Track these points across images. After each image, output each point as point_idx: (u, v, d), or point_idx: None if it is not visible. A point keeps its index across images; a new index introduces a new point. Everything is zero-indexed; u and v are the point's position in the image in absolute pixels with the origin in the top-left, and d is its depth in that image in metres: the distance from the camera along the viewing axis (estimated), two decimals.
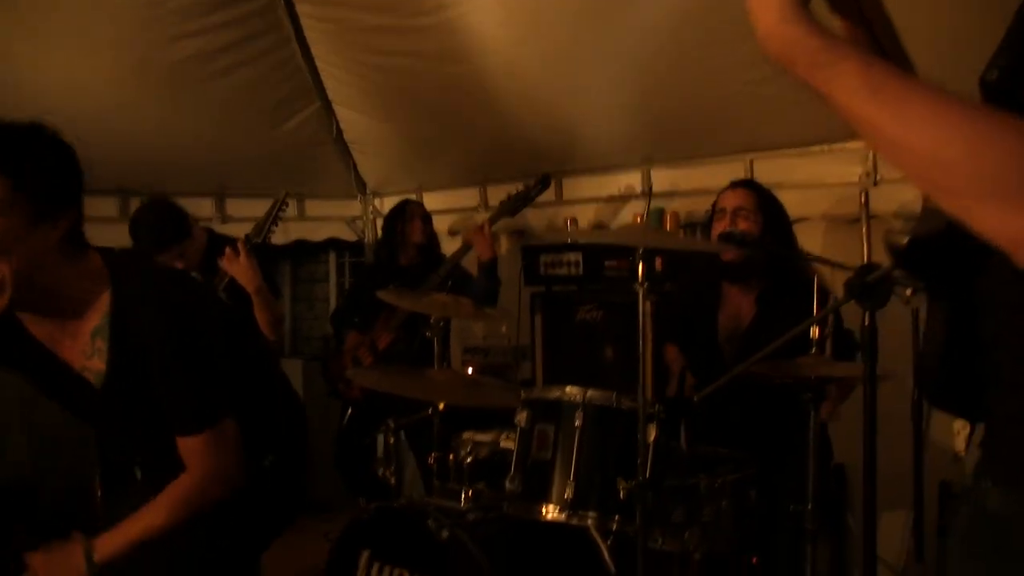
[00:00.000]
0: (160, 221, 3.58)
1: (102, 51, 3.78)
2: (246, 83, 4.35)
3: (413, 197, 5.01)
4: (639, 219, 4.32)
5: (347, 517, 2.84)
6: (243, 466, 2.02)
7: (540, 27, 3.76)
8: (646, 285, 2.20)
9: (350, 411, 4.39)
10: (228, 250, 3.60)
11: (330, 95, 4.74)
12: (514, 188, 4.42)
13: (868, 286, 1.91)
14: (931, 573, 3.01)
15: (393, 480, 3.10)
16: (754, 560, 2.81)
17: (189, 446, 1.95)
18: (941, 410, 1.38)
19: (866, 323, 1.99)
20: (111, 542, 1.95)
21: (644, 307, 2.23)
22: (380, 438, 3.49)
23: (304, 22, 4.18)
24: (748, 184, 3.23)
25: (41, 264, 1.82)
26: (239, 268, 3.60)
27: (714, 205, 3.21)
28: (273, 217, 3.73)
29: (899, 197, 3.64)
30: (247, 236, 3.71)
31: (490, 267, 4.22)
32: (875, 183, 3.72)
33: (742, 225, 3.04)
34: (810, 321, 2.38)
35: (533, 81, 4.11)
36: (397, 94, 4.49)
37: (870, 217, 2.93)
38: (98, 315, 1.92)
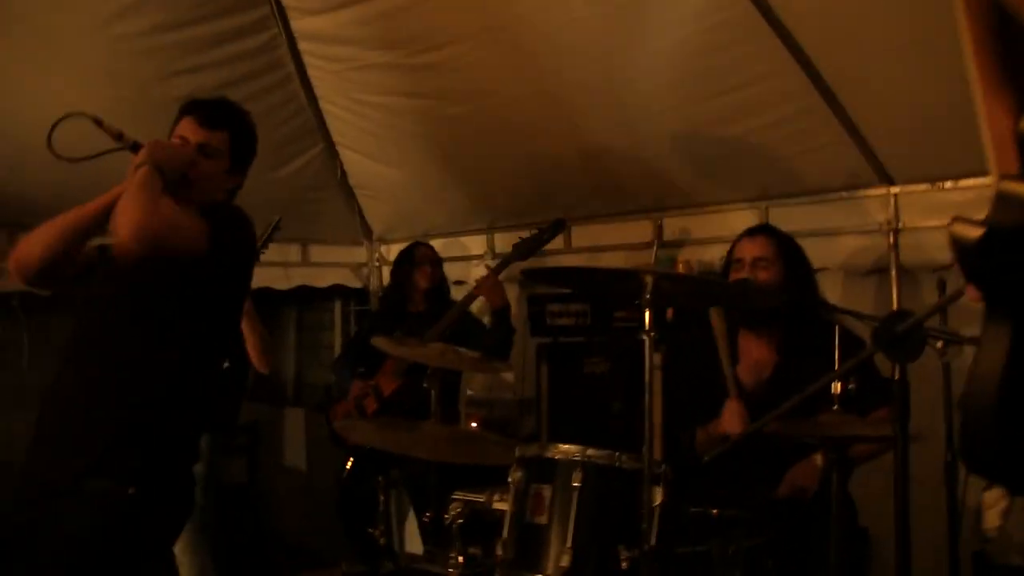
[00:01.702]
0: None
1: (97, 82, 3.66)
2: None
3: None
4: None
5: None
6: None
7: (540, 68, 3.64)
8: (654, 335, 2.01)
9: (351, 460, 4.20)
10: None
11: (334, 137, 4.62)
12: (525, 233, 4.27)
13: (898, 336, 1.71)
14: None
15: (383, 541, 2.91)
16: None
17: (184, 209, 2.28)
18: (978, 473, 1.14)
19: (896, 376, 1.79)
20: None
21: (653, 359, 2.03)
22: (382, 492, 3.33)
23: (307, 60, 4.07)
24: (766, 230, 3.06)
25: (208, 194, 2.43)
26: None
27: (730, 253, 3.03)
28: (265, 240, 3.60)
29: (923, 244, 3.48)
30: None
31: (503, 315, 4.06)
32: (897, 231, 3.56)
33: (762, 276, 2.86)
34: (837, 373, 2.18)
35: (539, 122, 3.98)
36: (402, 136, 4.36)
37: (898, 264, 2.72)
38: None
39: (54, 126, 2.30)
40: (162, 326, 2.33)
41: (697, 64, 3.32)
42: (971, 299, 1.08)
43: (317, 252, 5.45)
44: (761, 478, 2.72)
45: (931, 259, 3.43)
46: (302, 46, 3.98)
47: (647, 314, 2.03)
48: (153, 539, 2.33)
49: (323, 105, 4.38)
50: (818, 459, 2.71)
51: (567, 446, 2.24)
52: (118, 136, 2.37)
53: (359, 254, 5.64)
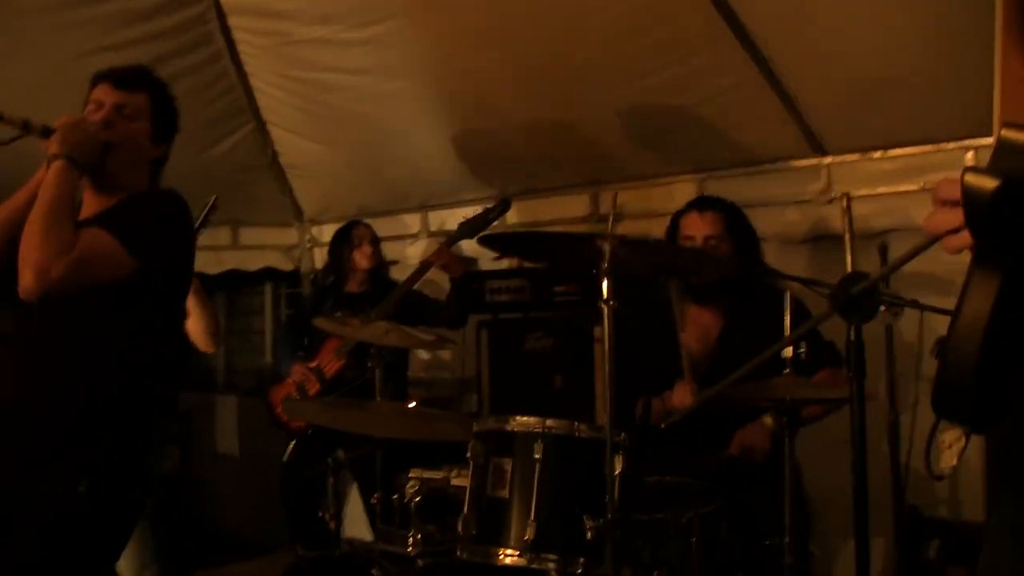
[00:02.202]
0: None
1: (10, 59, 3.50)
2: None
3: None
4: None
5: (283, 565, 2.61)
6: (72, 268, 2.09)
7: (480, 42, 3.61)
8: (613, 304, 2.01)
9: (293, 444, 4.12)
10: None
11: (264, 115, 4.51)
12: (461, 213, 4.24)
13: (854, 298, 1.74)
14: None
15: (333, 524, 2.87)
16: None
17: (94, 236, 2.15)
18: (948, 416, 1.17)
19: (851, 338, 1.83)
20: None
21: (608, 329, 2.03)
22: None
23: (237, 35, 3.95)
24: (714, 205, 3.04)
25: (133, 164, 2.36)
26: None
27: (675, 226, 3.02)
28: (202, 220, 3.49)
29: (855, 212, 3.56)
30: None
31: (462, 285, 4.03)
32: (829, 201, 3.63)
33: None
34: (791, 337, 2.22)
35: (473, 98, 3.95)
36: (335, 113, 4.28)
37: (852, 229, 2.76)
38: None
39: None
40: (103, 322, 2.25)
41: (637, 38, 3.33)
42: (951, 248, 1.11)
43: (247, 235, 5.33)
44: (714, 443, 2.75)
45: (865, 227, 3.53)
46: (232, 21, 3.86)
47: (605, 283, 2.02)
48: (107, 536, 2.25)
49: (253, 82, 4.26)
50: (767, 421, 2.76)
51: (525, 418, 2.23)
52: (23, 125, 2.24)
53: (290, 236, 5.53)
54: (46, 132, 2.22)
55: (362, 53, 3.76)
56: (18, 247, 2.16)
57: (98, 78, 2.37)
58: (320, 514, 2.87)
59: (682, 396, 2.72)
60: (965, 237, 1.08)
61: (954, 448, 1.79)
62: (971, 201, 0.97)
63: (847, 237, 2.54)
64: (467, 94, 3.92)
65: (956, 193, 1.09)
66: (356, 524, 3.57)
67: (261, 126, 4.59)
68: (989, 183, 0.95)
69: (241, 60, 4.11)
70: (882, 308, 2.08)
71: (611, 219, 2.48)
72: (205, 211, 3.49)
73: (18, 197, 2.28)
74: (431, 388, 4.73)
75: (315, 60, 3.93)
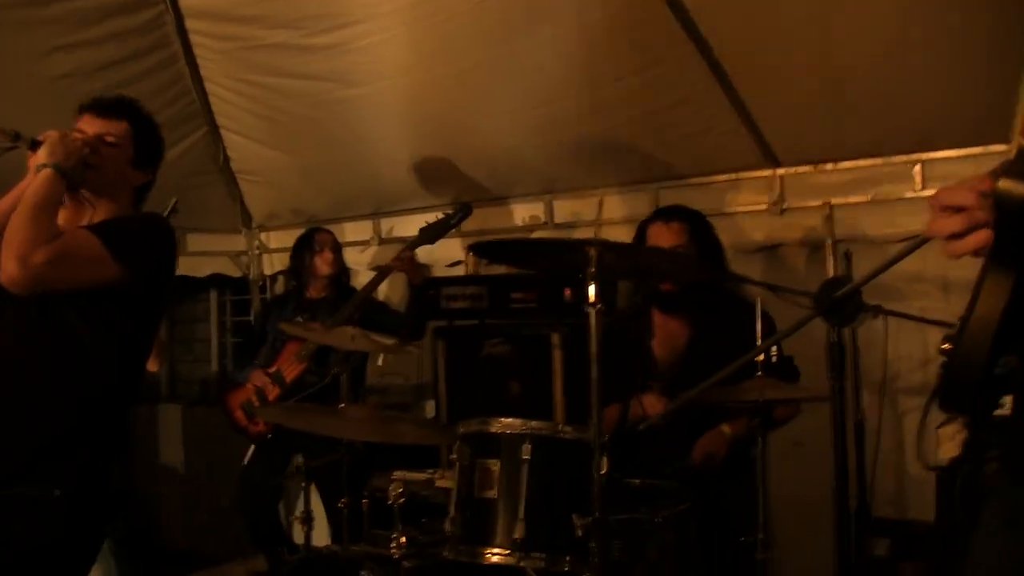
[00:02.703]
0: None
1: None
2: None
3: (302, 231, 4.72)
4: None
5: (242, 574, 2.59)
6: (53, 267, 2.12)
7: (443, 52, 3.64)
8: (600, 307, 2.05)
9: (252, 449, 4.08)
10: None
11: (218, 120, 4.46)
12: (414, 220, 4.26)
13: (836, 302, 1.82)
14: None
15: (304, 528, 2.86)
16: None
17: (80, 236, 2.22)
18: (954, 410, 1.24)
19: (833, 340, 1.90)
20: None
21: (595, 333, 2.07)
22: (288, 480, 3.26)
23: (194, 39, 3.90)
24: (679, 214, 3.12)
25: (114, 186, 2.38)
26: None
27: (641, 235, 3.09)
28: None
29: (806, 224, 3.69)
30: None
31: (421, 292, 4.04)
32: (781, 212, 3.75)
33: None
34: (767, 343, 2.30)
35: (433, 107, 3.97)
36: (291, 119, 4.25)
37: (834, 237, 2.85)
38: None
39: None
40: (87, 331, 2.24)
41: (596, 49, 3.39)
42: (953, 252, 1.18)
43: (195, 241, 5.25)
44: (685, 445, 2.82)
45: (815, 237, 3.66)
46: (190, 24, 3.81)
47: (592, 287, 2.07)
48: (81, 543, 2.23)
49: (208, 86, 4.22)
50: (725, 428, 2.85)
51: (510, 420, 2.27)
52: (14, 136, 2.29)
53: (238, 242, 5.46)
54: (34, 144, 2.26)
55: (323, 58, 3.75)
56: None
57: (82, 108, 2.44)
58: (290, 518, 2.86)
59: (654, 403, 2.78)
60: (968, 242, 1.16)
61: (956, 440, 1.88)
62: (1006, 206, 1.04)
63: (829, 243, 2.63)
64: (425, 102, 3.94)
65: (957, 200, 1.17)
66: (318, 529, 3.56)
67: (214, 131, 4.53)
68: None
69: (197, 64, 4.07)
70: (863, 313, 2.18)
71: (598, 224, 2.49)
72: (166, 213, 3.44)
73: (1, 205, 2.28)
74: (385, 394, 4.72)
75: (275, 65, 3.91)
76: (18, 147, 2.29)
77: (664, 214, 3.13)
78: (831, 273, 2.90)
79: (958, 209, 1.17)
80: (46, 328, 2.21)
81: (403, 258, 4.02)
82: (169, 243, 2.45)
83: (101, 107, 2.42)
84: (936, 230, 1.19)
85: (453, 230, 4.36)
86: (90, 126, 2.39)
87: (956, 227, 1.16)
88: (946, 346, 1.19)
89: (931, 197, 1.21)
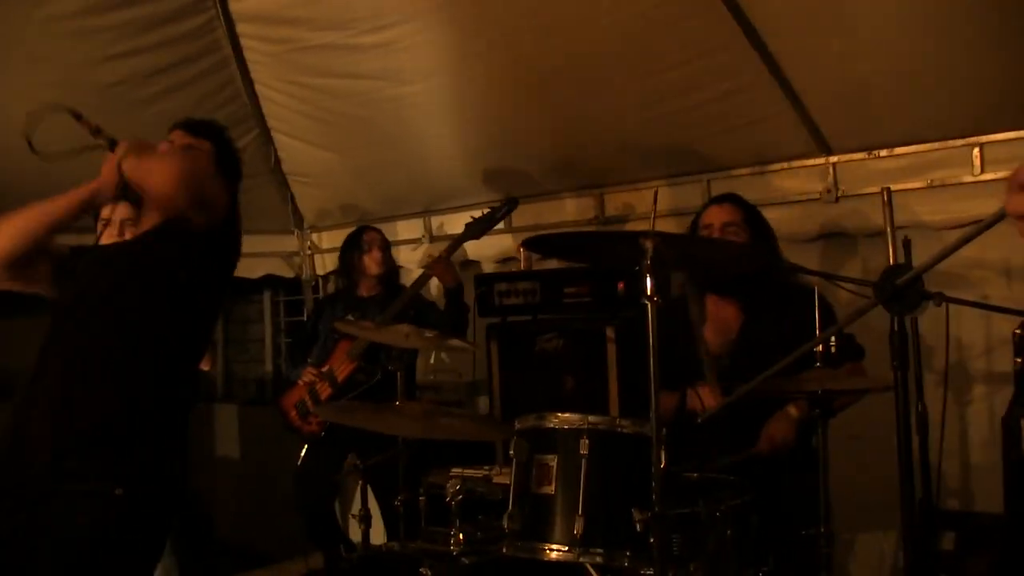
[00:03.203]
0: None
1: (22, 67, 3.49)
2: (179, 109, 4.03)
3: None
4: None
5: (296, 572, 2.62)
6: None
7: (491, 47, 3.63)
8: (657, 300, 2.03)
9: (306, 448, 4.12)
10: None
11: (269, 122, 4.52)
12: (465, 217, 4.25)
13: (898, 289, 1.78)
14: None
15: (362, 527, 2.88)
16: None
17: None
18: None
19: (895, 329, 1.86)
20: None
21: (652, 325, 2.05)
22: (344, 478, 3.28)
23: (244, 43, 3.96)
24: (733, 199, 3.13)
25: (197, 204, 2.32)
26: None
27: (695, 222, 3.09)
28: None
29: (862, 211, 3.62)
30: None
31: (456, 294, 4.04)
32: (836, 200, 3.69)
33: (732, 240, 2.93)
34: (825, 335, 2.26)
35: (482, 102, 3.98)
36: (341, 119, 4.29)
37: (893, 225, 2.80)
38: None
39: (33, 120, 2.25)
40: (144, 324, 2.29)
41: (648, 39, 3.36)
42: None
43: (248, 242, 5.20)
44: (742, 436, 2.78)
45: (870, 225, 3.59)
46: (240, 28, 3.87)
47: (648, 279, 2.05)
48: (144, 541, 2.26)
49: (259, 89, 4.28)
50: (792, 411, 2.80)
51: (567, 415, 2.25)
52: (96, 130, 2.33)
53: (290, 243, 5.53)
54: (113, 144, 2.34)
55: (373, 58, 3.78)
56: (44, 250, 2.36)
57: (174, 126, 2.62)
58: (347, 516, 2.88)
59: (709, 398, 2.75)
60: None
61: None
62: None
63: (889, 230, 2.57)
64: (476, 98, 3.94)
65: None
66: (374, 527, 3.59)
67: (265, 133, 4.59)
68: None
69: (248, 67, 4.12)
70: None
71: (653, 216, 2.47)
72: None
73: (61, 198, 2.34)
74: (439, 392, 4.73)
75: (324, 66, 3.95)
76: (99, 145, 2.34)
77: (717, 198, 3.17)
78: (892, 261, 2.82)
79: None
80: (106, 322, 2.26)
81: (434, 263, 4.04)
82: (237, 250, 2.57)
83: (190, 126, 2.59)
84: (1015, 208, 1.16)
85: (502, 225, 4.38)
86: (179, 139, 2.54)
87: None
88: (1019, 331, 1.16)
89: (1009, 176, 1.18)
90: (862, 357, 2.79)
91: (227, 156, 2.62)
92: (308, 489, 4.08)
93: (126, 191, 2.35)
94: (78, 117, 2.29)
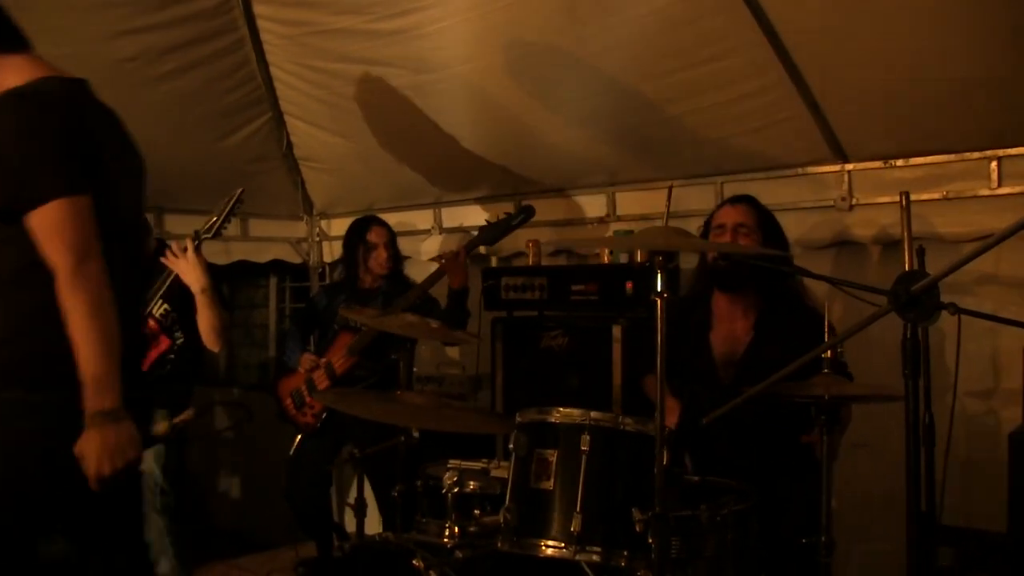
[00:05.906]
0: None
1: (42, 38, 3.41)
2: (192, 90, 4.07)
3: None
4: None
5: (289, 560, 2.59)
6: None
7: (510, 40, 3.60)
8: (667, 296, 2.00)
9: (299, 439, 4.08)
10: (174, 245, 3.35)
11: (282, 105, 4.48)
12: (475, 211, 4.23)
13: (914, 296, 1.75)
14: None
15: (357, 518, 2.86)
16: None
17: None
18: None
19: (908, 336, 1.83)
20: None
21: (660, 322, 2.02)
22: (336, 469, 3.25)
23: (261, 24, 3.92)
24: (747, 200, 3.10)
25: None
26: (185, 265, 3.34)
27: (708, 222, 3.06)
28: (226, 213, 3.45)
29: (876, 221, 3.58)
30: (196, 232, 3.43)
31: (460, 296, 4.00)
32: (850, 208, 3.65)
33: (743, 241, 2.91)
34: (836, 339, 2.24)
35: (498, 95, 3.94)
36: (356, 105, 4.24)
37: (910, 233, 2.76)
38: None
39: None
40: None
41: (665, 37, 3.33)
42: None
43: (257, 226, 5.29)
44: (747, 442, 2.76)
45: (884, 235, 3.55)
46: (258, 9, 3.84)
47: (659, 276, 2.02)
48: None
49: (274, 72, 4.24)
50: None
51: (569, 410, 2.22)
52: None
53: (299, 228, 5.51)
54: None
55: (390, 44, 3.74)
56: None
57: None
58: (347, 505, 2.85)
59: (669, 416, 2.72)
60: None
61: None
62: None
63: (906, 236, 2.53)
64: (490, 90, 3.90)
65: None
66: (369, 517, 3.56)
67: (278, 117, 4.56)
68: None
69: (264, 49, 4.08)
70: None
71: (666, 214, 2.44)
72: (231, 203, 3.47)
73: None
74: (441, 384, 4.71)
75: (341, 50, 3.91)
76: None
77: (732, 199, 3.13)
78: (908, 268, 2.78)
79: None
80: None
81: (449, 260, 3.98)
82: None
83: None
84: None
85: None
86: None
87: None
88: None
89: None
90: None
91: None
92: (299, 480, 4.05)
93: None
94: None
